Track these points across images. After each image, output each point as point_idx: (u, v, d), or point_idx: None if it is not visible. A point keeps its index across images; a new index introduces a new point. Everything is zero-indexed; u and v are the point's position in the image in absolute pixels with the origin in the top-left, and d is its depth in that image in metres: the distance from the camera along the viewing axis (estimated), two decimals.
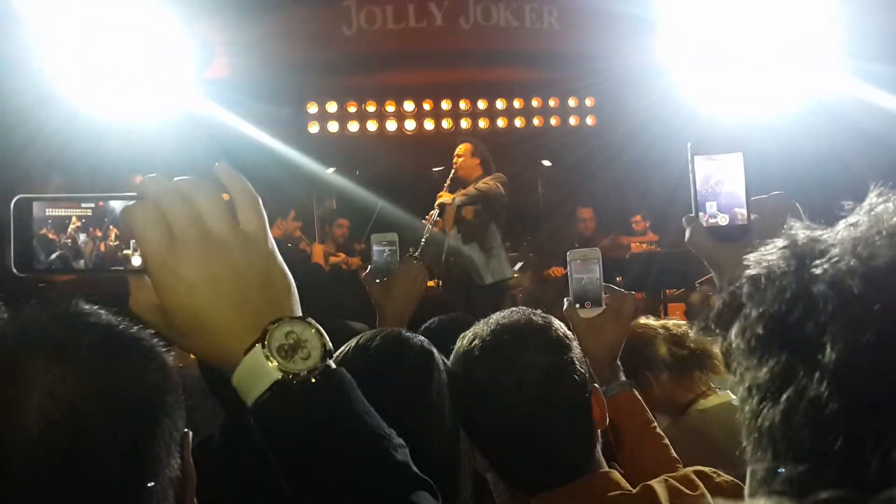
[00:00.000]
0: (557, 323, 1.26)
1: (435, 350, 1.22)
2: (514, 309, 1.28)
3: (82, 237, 0.69)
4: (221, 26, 5.90)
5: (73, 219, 0.69)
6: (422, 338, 1.24)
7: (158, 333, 0.70)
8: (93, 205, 0.69)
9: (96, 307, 0.71)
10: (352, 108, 6.80)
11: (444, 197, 5.00)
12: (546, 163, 7.04)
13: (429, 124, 6.88)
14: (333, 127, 6.80)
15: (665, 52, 5.69)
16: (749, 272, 0.50)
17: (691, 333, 2.06)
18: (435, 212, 5.01)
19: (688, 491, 1.12)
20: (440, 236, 5.09)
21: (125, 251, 0.68)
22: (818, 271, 0.45)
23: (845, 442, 0.41)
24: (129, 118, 5.11)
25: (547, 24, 6.42)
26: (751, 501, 0.47)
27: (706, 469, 1.19)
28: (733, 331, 0.50)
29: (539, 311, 1.27)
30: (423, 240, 4.89)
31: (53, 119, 4.57)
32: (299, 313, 0.67)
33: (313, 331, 0.66)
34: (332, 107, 6.77)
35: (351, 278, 5.63)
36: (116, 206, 0.69)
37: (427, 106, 6.87)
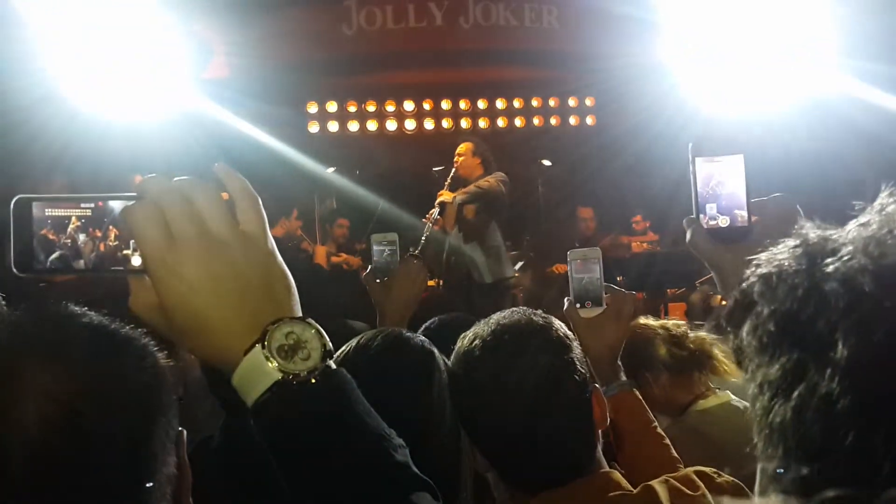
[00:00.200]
0: (558, 323, 1.25)
1: (436, 350, 1.22)
2: (514, 309, 1.28)
3: (82, 237, 0.69)
4: (222, 26, 5.91)
5: (73, 219, 0.69)
6: (422, 338, 1.24)
7: (157, 333, 0.70)
8: (92, 205, 0.69)
9: (87, 308, 0.71)
10: (352, 108, 6.81)
11: (445, 196, 4.99)
12: (546, 162, 7.03)
13: (429, 124, 6.89)
14: (333, 127, 6.80)
15: (664, 51, 5.69)
16: (761, 271, 0.50)
17: (692, 334, 2.07)
18: (435, 210, 5.01)
19: (689, 491, 1.12)
20: (441, 235, 5.09)
21: (125, 251, 0.68)
22: (830, 269, 0.46)
23: (856, 438, 0.42)
24: (129, 118, 5.12)
25: (546, 23, 6.42)
26: (758, 500, 0.48)
27: (707, 469, 1.19)
28: (745, 329, 0.51)
29: (539, 312, 1.27)
30: (423, 238, 4.89)
31: (54, 119, 4.58)
32: (299, 313, 0.67)
33: (313, 331, 0.66)
34: (332, 107, 6.78)
35: (351, 278, 5.64)
36: (116, 206, 0.69)
37: (427, 106, 6.88)
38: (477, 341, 1.20)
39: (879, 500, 0.39)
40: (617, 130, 6.39)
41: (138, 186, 0.65)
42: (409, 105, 6.82)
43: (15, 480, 0.62)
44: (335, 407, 0.66)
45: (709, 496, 1.10)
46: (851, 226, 0.49)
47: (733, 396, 2.01)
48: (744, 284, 0.52)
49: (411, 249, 4.53)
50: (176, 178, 0.65)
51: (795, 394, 0.45)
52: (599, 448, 1.21)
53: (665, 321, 2.16)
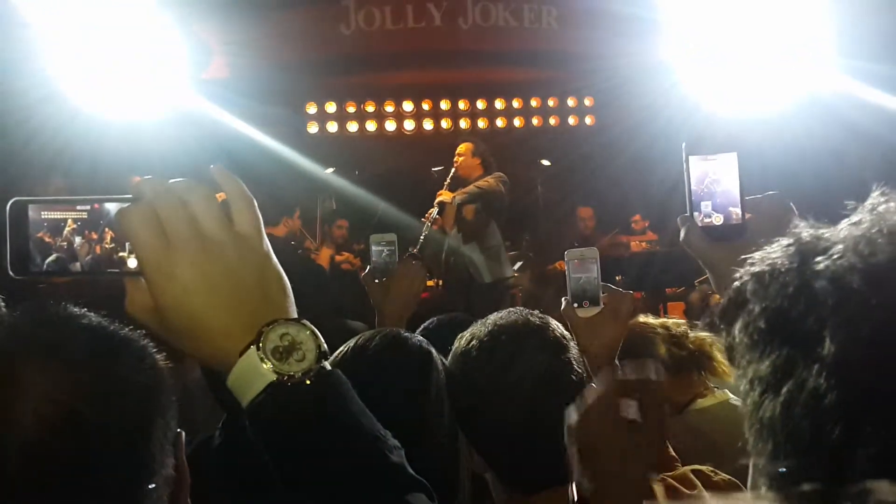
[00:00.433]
0: (555, 323, 1.26)
1: (433, 350, 1.22)
2: (511, 309, 1.28)
3: (78, 240, 0.69)
4: (221, 27, 5.90)
5: (69, 221, 0.69)
6: (420, 338, 1.25)
7: (153, 335, 0.70)
8: (88, 207, 0.69)
9: (85, 309, 0.71)
10: (351, 109, 6.81)
11: (444, 195, 4.99)
12: (545, 162, 7.04)
13: (428, 124, 6.89)
14: (332, 127, 6.80)
15: (663, 51, 5.69)
16: (754, 269, 0.51)
17: (692, 333, 2.07)
18: (434, 210, 5.01)
19: (686, 490, 1.13)
20: (440, 235, 5.09)
21: (121, 253, 0.68)
22: (820, 268, 0.47)
23: (842, 433, 0.43)
24: (128, 118, 5.12)
25: (545, 23, 6.42)
26: (749, 494, 0.48)
27: (704, 468, 1.19)
28: (737, 326, 0.52)
29: (536, 312, 1.27)
30: (421, 237, 4.89)
31: (53, 119, 4.58)
32: (295, 315, 0.67)
33: (308, 332, 0.66)
34: (331, 107, 6.78)
35: (351, 278, 5.63)
36: (112, 208, 0.69)
37: (426, 106, 6.88)
38: (474, 342, 1.20)
39: (848, 492, 0.39)
40: (616, 130, 6.39)
41: (133, 188, 0.65)
42: (408, 105, 6.83)
43: (13, 481, 0.63)
44: (329, 408, 0.66)
45: (706, 495, 1.11)
46: (843, 224, 0.49)
47: (732, 396, 2.01)
48: (737, 282, 0.53)
49: (410, 248, 4.53)
50: (171, 180, 0.65)
51: (784, 389, 0.46)
52: None
53: (665, 320, 2.15)
